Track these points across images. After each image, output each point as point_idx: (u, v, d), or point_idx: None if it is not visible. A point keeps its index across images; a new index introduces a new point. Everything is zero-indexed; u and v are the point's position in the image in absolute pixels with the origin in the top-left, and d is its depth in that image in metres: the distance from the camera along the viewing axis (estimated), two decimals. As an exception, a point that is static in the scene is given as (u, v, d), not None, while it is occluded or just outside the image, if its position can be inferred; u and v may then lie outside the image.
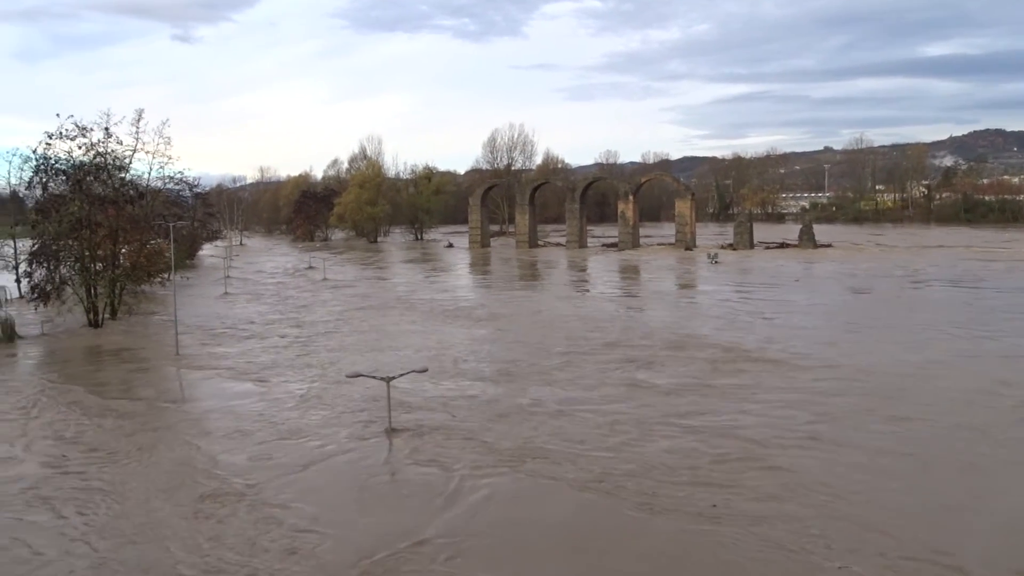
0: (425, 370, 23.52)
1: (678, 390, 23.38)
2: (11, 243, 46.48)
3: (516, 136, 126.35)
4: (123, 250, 40.61)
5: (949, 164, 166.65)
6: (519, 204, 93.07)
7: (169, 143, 46.09)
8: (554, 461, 17.50)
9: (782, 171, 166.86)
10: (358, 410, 21.99)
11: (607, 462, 17.32)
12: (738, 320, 36.38)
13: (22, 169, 44.99)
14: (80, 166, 41.26)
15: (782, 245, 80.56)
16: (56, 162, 41.56)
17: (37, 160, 41.71)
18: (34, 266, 39.57)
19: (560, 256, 78.82)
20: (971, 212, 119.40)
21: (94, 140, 41.22)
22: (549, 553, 13.26)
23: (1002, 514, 14.30)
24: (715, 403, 21.85)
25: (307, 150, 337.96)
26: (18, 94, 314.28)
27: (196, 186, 77.07)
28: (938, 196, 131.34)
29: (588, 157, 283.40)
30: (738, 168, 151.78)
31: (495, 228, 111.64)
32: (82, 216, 38.50)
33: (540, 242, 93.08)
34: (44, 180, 41.93)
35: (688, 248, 79.33)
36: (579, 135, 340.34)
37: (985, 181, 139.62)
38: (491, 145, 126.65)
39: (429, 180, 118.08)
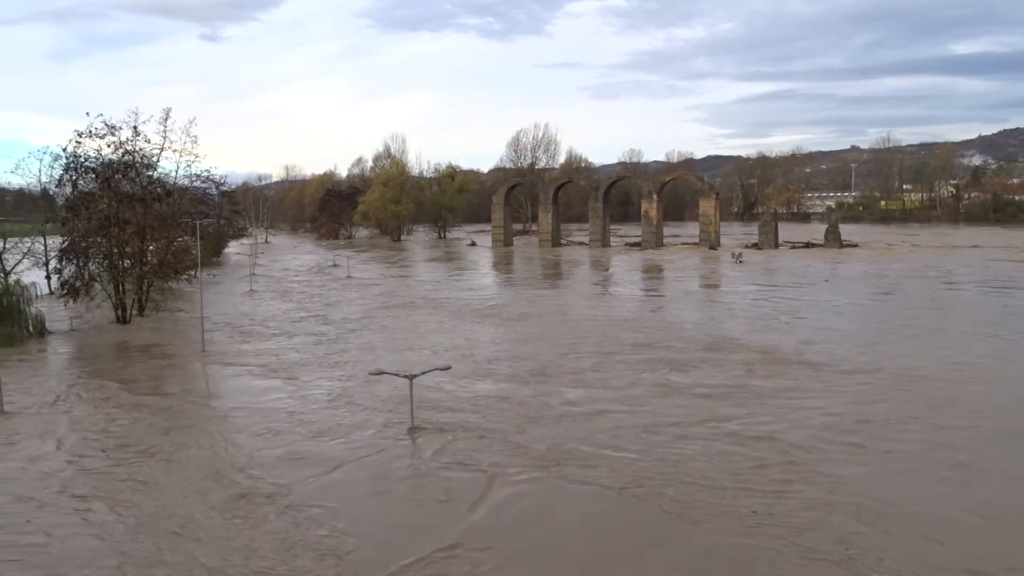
0: (448, 368, 23.01)
1: (714, 393, 22.86)
2: (42, 240, 46.86)
3: (540, 135, 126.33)
4: (151, 247, 40.83)
5: (978, 163, 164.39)
6: (542, 203, 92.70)
7: (196, 141, 45.93)
8: (588, 464, 17.11)
9: (808, 170, 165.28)
10: (387, 410, 21.71)
11: (643, 465, 16.89)
12: (771, 321, 35.74)
13: (52, 167, 45.66)
14: (109, 164, 41.51)
15: (807, 245, 79.61)
16: (85, 160, 41.97)
17: (67, 158, 42.36)
18: (64, 263, 39.80)
19: (583, 255, 78.31)
20: (1000, 212, 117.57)
21: (123, 139, 41.45)
22: (582, 560, 12.89)
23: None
24: (754, 407, 21.30)
25: (332, 149, 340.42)
26: (49, 94, 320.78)
27: (222, 184, 77.30)
28: (967, 196, 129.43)
29: (612, 156, 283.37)
30: (763, 167, 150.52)
31: (518, 227, 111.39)
32: (111, 213, 38.67)
33: (563, 241, 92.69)
34: (74, 178, 42.46)
35: (712, 248, 78.55)
36: (603, 134, 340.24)
37: (1015, 180, 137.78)
38: (515, 144, 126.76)
39: (452, 179, 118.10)
